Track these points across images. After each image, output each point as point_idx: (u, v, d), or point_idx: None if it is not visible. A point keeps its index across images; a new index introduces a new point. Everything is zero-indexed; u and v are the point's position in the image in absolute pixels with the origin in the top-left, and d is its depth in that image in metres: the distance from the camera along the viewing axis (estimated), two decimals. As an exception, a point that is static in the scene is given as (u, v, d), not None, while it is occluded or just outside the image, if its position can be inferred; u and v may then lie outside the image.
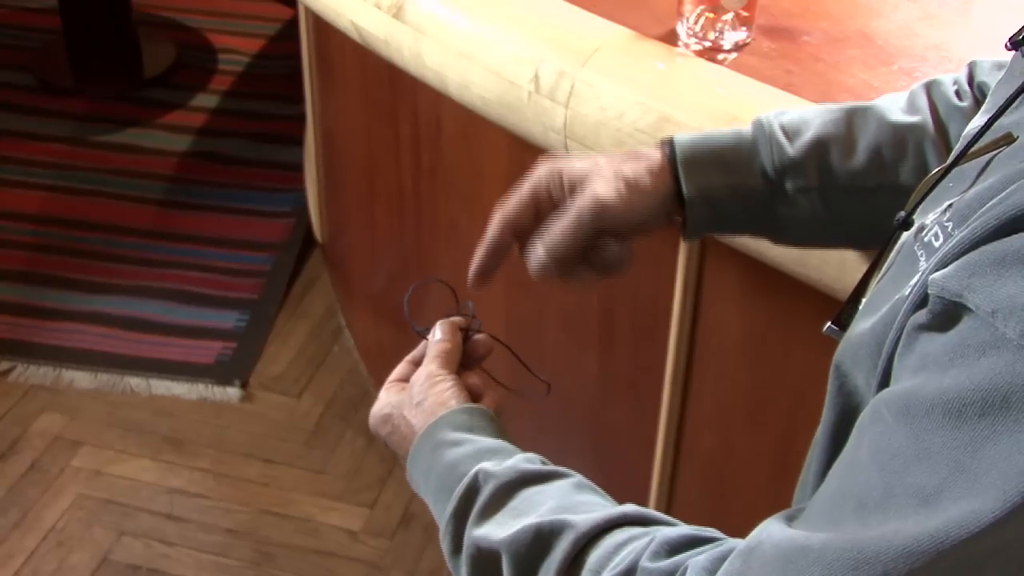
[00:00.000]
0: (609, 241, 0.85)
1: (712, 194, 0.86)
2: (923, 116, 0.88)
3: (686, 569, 0.62)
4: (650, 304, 1.36)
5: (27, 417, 2.28)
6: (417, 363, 0.91)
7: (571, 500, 0.73)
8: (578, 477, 0.77)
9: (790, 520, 0.59)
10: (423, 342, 0.92)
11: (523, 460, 0.77)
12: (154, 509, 2.10)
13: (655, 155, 0.86)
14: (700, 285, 1.28)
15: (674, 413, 1.38)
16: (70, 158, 2.99)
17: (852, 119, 0.88)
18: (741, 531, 0.63)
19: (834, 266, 1.02)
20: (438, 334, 0.91)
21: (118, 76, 3.30)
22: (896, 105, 0.90)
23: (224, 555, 2.02)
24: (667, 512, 1.51)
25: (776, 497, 1.26)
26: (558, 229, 0.83)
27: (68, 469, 2.17)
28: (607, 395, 1.53)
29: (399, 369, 0.92)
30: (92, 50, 3.31)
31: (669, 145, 0.86)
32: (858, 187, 0.87)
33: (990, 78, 0.87)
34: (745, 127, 0.89)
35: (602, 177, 0.84)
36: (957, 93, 0.88)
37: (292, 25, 3.04)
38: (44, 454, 2.20)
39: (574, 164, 0.86)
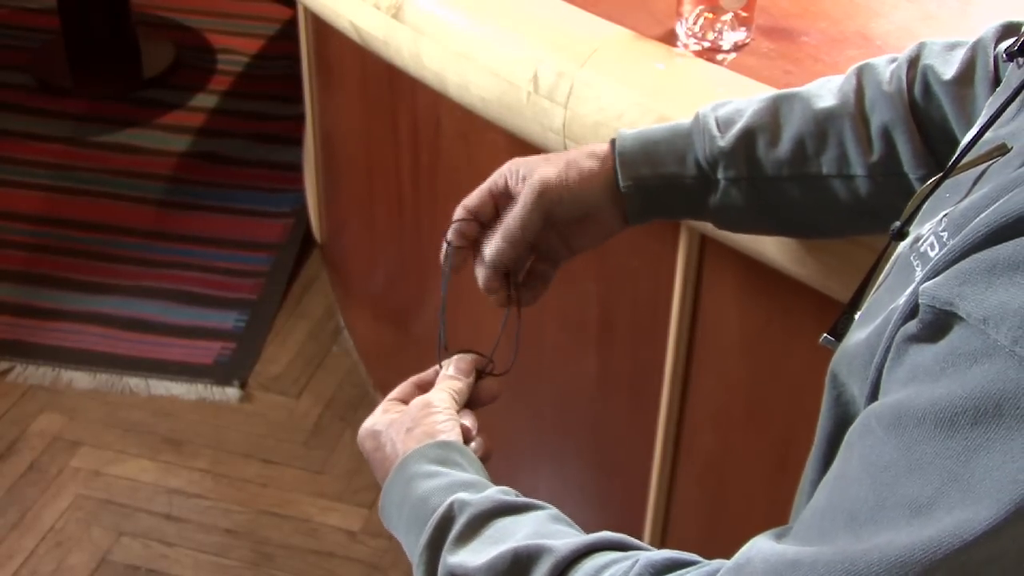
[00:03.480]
0: (555, 237, 0.91)
1: (646, 184, 0.90)
2: (846, 103, 0.89)
3: None
4: (649, 304, 1.36)
5: (26, 417, 2.28)
6: (422, 387, 0.89)
7: (547, 528, 0.72)
8: (554, 510, 0.76)
9: (779, 538, 0.59)
10: (433, 368, 0.90)
11: (498, 492, 0.76)
12: (153, 509, 2.10)
13: (605, 149, 0.92)
14: (699, 285, 1.28)
15: (673, 412, 1.38)
16: (69, 158, 2.99)
17: (779, 107, 0.91)
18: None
19: (833, 266, 1.02)
20: (451, 370, 0.89)
21: (117, 76, 3.30)
22: (827, 89, 0.91)
23: (223, 555, 2.02)
24: (666, 512, 1.52)
25: (775, 496, 1.26)
26: (509, 216, 0.89)
27: (67, 469, 2.17)
28: (606, 395, 1.53)
29: (401, 388, 0.90)
30: (91, 50, 3.31)
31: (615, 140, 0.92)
32: (783, 176, 0.89)
33: (939, 59, 0.87)
34: (685, 120, 0.93)
35: (550, 163, 0.90)
36: (890, 78, 0.89)
37: (291, 25, 3.04)
38: (43, 454, 2.20)
39: (531, 158, 0.92)
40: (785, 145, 0.89)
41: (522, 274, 0.93)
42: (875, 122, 0.87)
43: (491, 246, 0.90)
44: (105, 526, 2.07)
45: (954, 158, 0.66)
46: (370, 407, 0.89)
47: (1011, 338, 0.48)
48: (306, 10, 2.08)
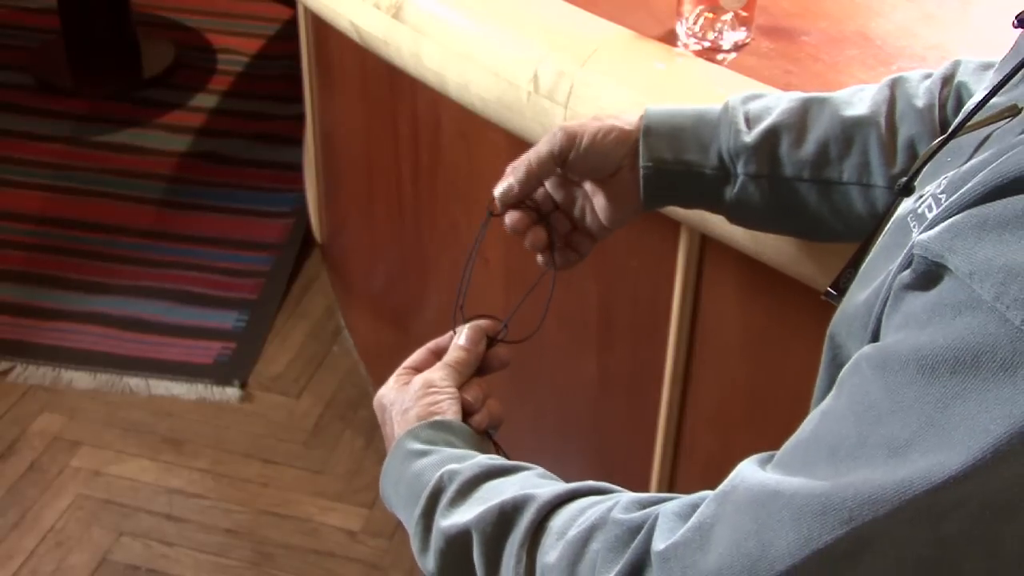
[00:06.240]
0: (583, 198, 0.93)
1: (665, 168, 0.91)
2: (876, 112, 0.89)
3: (657, 516, 0.64)
4: (649, 304, 1.36)
5: (26, 417, 2.28)
6: (436, 354, 0.91)
7: (534, 483, 0.75)
8: (540, 469, 0.78)
9: (764, 464, 0.61)
10: (449, 332, 0.91)
11: (486, 458, 0.79)
12: (153, 509, 2.10)
13: (635, 120, 0.92)
14: (699, 285, 1.28)
15: (673, 413, 1.38)
16: (69, 158, 2.99)
17: (808, 109, 0.91)
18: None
19: (834, 267, 1.02)
20: (462, 339, 0.90)
21: (117, 76, 3.30)
22: (859, 98, 0.91)
23: (223, 555, 2.02)
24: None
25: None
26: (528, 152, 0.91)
27: (67, 469, 2.17)
28: (607, 395, 1.53)
29: (416, 356, 0.92)
30: (91, 50, 3.31)
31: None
32: (803, 178, 0.90)
33: (973, 78, 0.88)
34: (715, 106, 0.93)
35: (577, 119, 0.93)
36: (923, 93, 0.89)
37: (291, 25, 3.04)
38: (43, 454, 2.20)
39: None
40: (809, 147, 0.89)
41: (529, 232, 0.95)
42: (902, 134, 0.87)
43: (503, 182, 0.92)
44: (105, 526, 2.06)
45: (960, 119, 0.67)
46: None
47: (994, 293, 0.50)
48: (306, 10, 2.09)
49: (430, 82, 1.39)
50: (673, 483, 1.44)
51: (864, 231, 0.91)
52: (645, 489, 1.46)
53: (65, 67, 3.31)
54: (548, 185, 0.95)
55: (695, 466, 1.42)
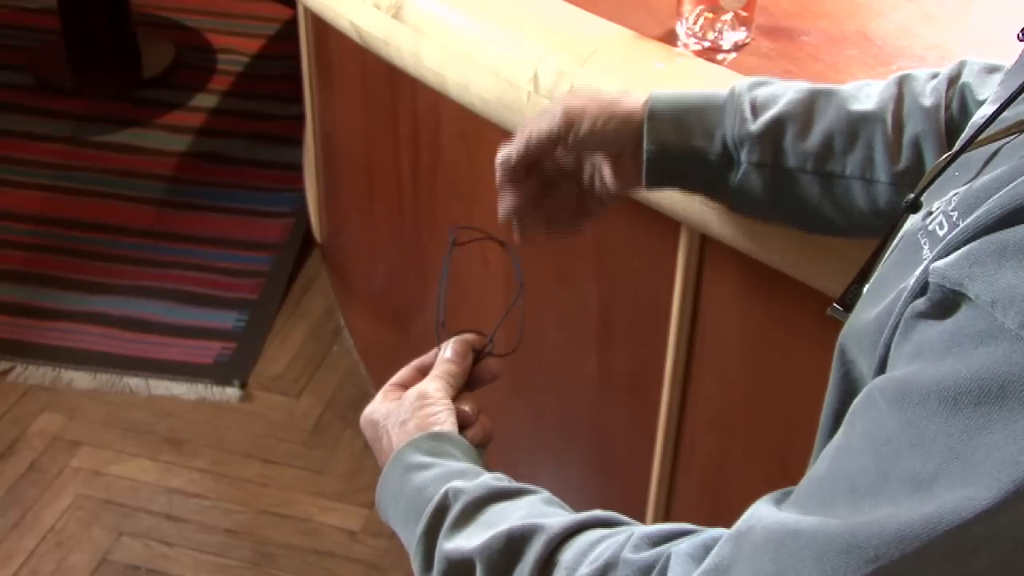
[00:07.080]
0: (590, 167, 0.94)
1: (670, 151, 0.91)
2: (883, 109, 0.89)
3: (669, 557, 0.63)
4: (649, 304, 1.36)
5: (26, 417, 2.28)
6: (422, 371, 0.90)
7: (541, 510, 0.73)
8: (546, 493, 0.77)
9: (779, 503, 0.60)
10: (433, 350, 0.91)
11: (491, 478, 0.77)
12: (153, 509, 2.10)
13: (640, 102, 0.92)
14: (700, 285, 1.28)
15: (673, 413, 1.38)
16: (69, 158, 2.99)
17: (815, 101, 0.91)
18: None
19: (834, 267, 1.02)
20: (448, 352, 0.90)
21: (117, 76, 3.30)
22: (865, 93, 0.91)
23: (223, 555, 2.02)
24: (667, 512, 1.51)
25: (775, 497, 1.26)
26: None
27: (67, 469, 2.17)
28: (607, 395, 1.53)
29: (402, 374, 0.91)
30: (91, 50, 3.31)
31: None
32: (806, 170, 0.90)
33: (977, 80, 0.87)
34: (721, 91, 0.93)
35: (583, 92, 0.93)
36: (930, 92, 0.89)
37: (291, 25, 3.04)
38: (43, 454, 2.20)
39: None
40: (814, 139, 0.89)
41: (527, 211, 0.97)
42: (908, 132, 0.87)
43: (503, 151, 0.93)
44: (105, 526, 2.06)
45: (971, 134, 0.66)
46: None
47: (1018, 322, 0.49)
48: (306, 10, 2.09)
49: (430, 82, 1.39)
50: (673, 483, 1.44)
51: (865, 226, 0.91)
52: (645, 489, 1.46)
53: (65, 67, 3.31)
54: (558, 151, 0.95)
55: (695, 466, 1.42)
